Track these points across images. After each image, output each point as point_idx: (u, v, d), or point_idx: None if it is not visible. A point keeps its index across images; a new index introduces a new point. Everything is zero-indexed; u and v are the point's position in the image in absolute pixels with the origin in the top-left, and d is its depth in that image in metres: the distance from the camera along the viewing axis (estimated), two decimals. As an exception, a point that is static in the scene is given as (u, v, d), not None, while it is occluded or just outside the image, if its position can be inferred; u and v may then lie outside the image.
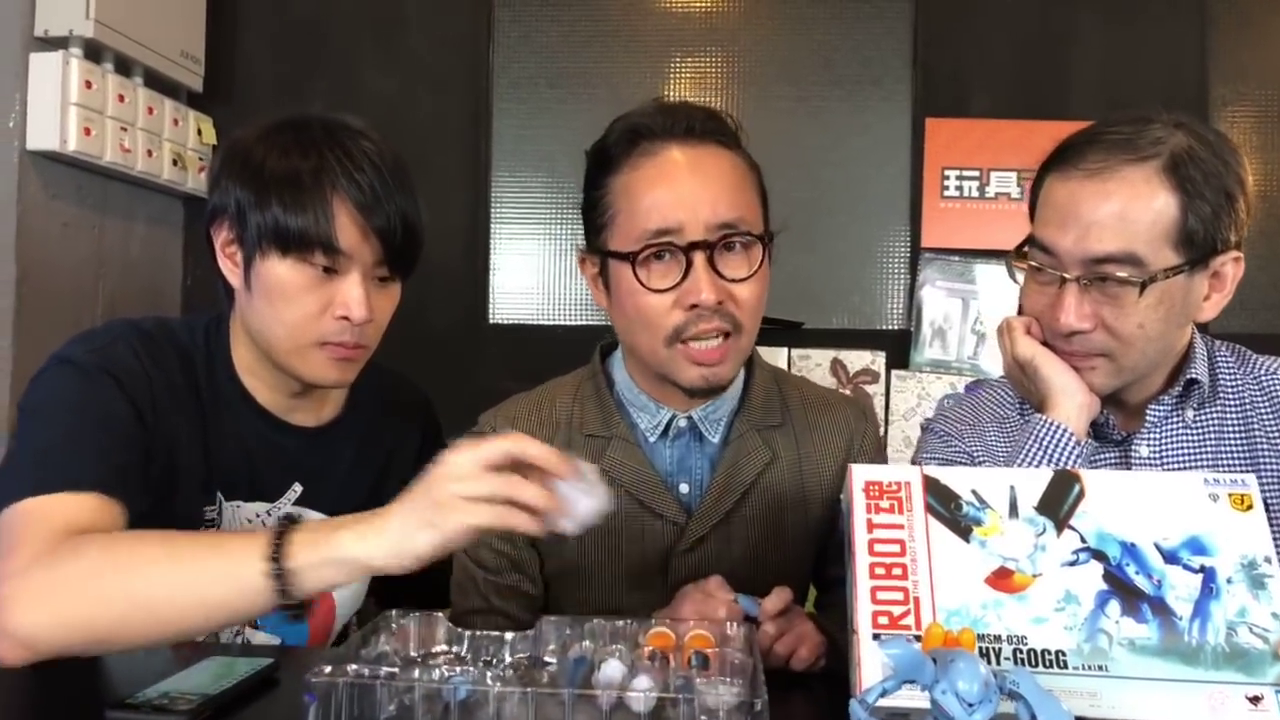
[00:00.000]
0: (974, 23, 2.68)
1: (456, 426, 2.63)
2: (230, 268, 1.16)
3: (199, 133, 2.59)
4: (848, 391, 2.57)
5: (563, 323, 2.79)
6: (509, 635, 0.94)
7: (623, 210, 1.15)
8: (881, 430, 2.56)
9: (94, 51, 2.24)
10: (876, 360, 2.62)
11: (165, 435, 1.13)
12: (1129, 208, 1.03)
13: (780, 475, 1.23)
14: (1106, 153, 1.04)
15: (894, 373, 2.61)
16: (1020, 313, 1.17)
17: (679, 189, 1.13)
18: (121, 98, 2.29)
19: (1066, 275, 1.06)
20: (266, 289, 1.12)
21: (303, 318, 1.12)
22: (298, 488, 1.24)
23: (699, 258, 1.11)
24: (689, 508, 1.22)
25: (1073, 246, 1.05)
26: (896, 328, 2.69)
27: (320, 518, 1.18)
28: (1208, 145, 1.04)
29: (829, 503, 1.25)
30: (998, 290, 2.62)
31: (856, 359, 2.63)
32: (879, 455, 1.30)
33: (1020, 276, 1.14)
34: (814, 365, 2.60)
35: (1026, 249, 1.12)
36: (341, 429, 1.28)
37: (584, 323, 2.79)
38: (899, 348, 2.65)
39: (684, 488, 1.23)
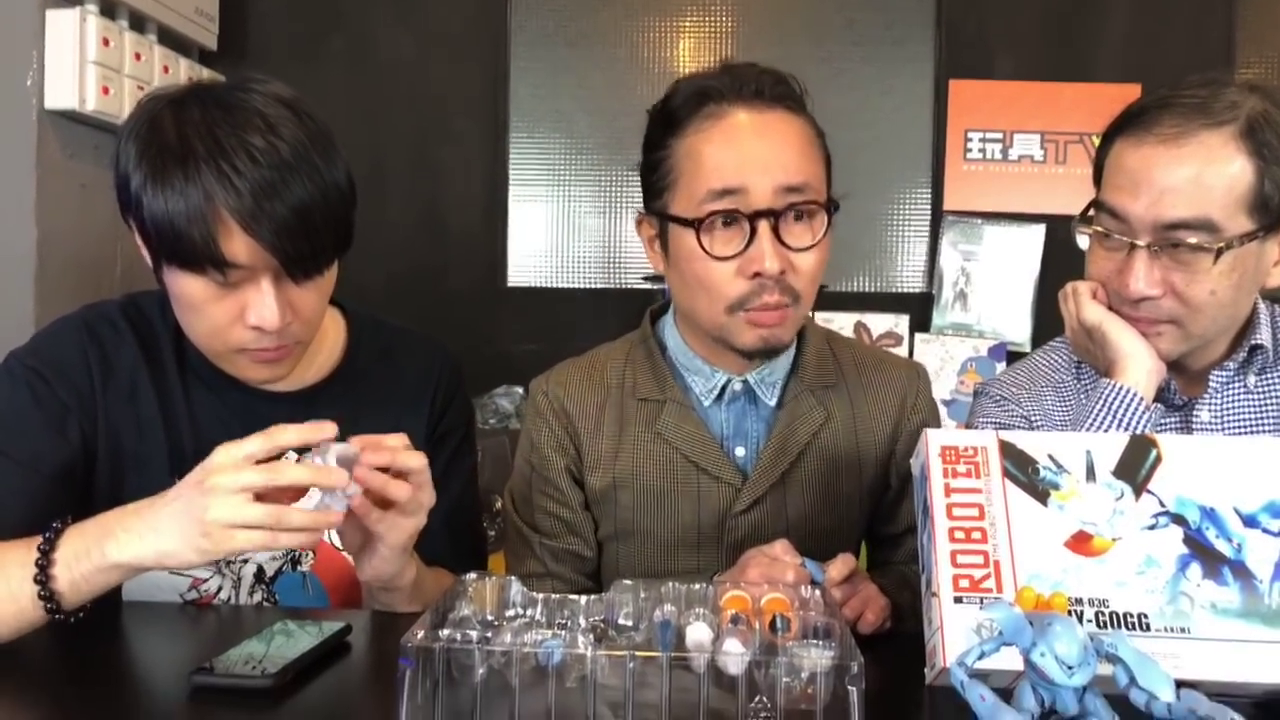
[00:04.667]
0: (998, -17, 2.66)
1: (473, 388, 2.65)
2: (148, 259, 1.06)
3: (214, 91, 2.55)
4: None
5: (579, 286, 2.78)
6: (582, 599, 0.94)
7: (686, 173, 1.14)
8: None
9: (108, 8, 2.20)
10: (900, 323, 2.63)
11: (111, 422, 1.12)
12: (1205, 173, 1.02)
13: (835, 435, 1.24)
14: (1182, 117, 1.03)
15: (917, 335, 2.62)
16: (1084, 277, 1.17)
17: (744, 151, 1.11)
18: (138, 56, 2.26)
19: (1137, 242, 1.05)
20: (175, 296, 1.06)
21: (214, 329, 1.06)
22: (291, 456, 1.17)
23: (764, 226, 1.11)
24: (744, 470, 1.23)
25: (1145, 212, 1.04)
26: (918, 290, 2.69)
27: None
28: None
29: (882, 462, 1.26)
30: (1016, 253, 2.62)
31: (880, 322, 2.63)
32: (932, 414, 1.30)
33: (1085, 241, 1.14)
34: (838, 328, 2.60)
35: (1092, 214, 1.11)
36: (331, 391, 1.21)
37: (600, 286, 2.78)
38: (921, 310, 2.66)
39: (740, 450, 1.23)
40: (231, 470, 0.90)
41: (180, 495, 0.91)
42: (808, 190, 1.12)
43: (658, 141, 1.18)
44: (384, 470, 0.98)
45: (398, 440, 0.99)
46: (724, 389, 1.23)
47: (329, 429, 0.94)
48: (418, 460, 0.98)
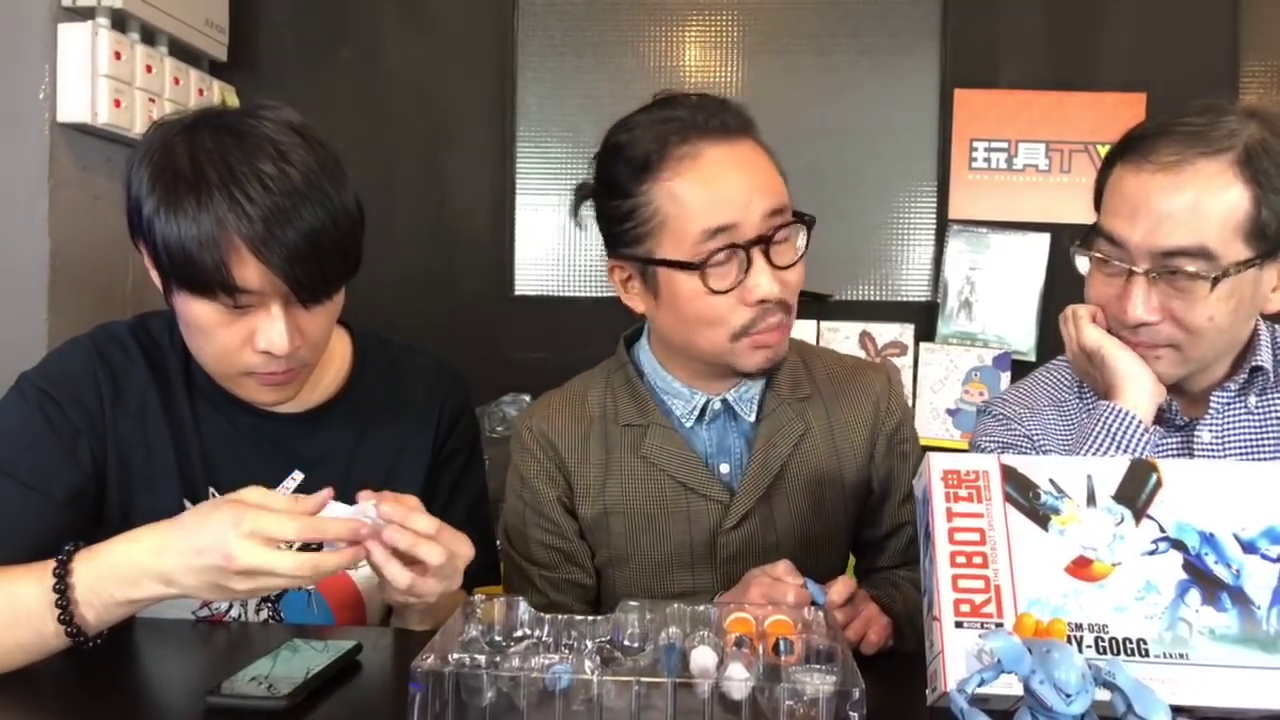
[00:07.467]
0: (1004, -8, 2.66)
1: (480, 396, 2.66)
2: (158, 283, 1.08)
3: (224, 103, 2.57)
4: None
5: (586, 294, 2.80)
6: (588, 619, 0.96)
7: (671, 216, 1.14)
8: (910, 402, 2.58)
9: (119, 21, 2.21)
10: (905, 332, 2.63)
11: (121, 444, 1.14)
12: (1202, 201, 1.03)
13: (815, 446, 1.27)
14: (1180, 145, 1.04)
15: (922, 345, 2.63)
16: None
17: (727, 187, 1.13)
18: (149, 68, 2.27)
19: (1135, 268, 1.07)
20: (184, 320, 1.08)
21: (222, 352, 1.08)
22: (298, 475, 1.20)
23: (757, 254, 1.14)
24: (731, 486, 1.25)
25: (1143, 240, 1.05)
26: (923, 299, 2.70)
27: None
28: None
29: (863, 468, 1.29)
30: (1021, 262, 2.63)
31: (885, 331, 2.64)
32: (905, 413, 1.33)
33: (1085, 265, 1.15)
34: (843, 338, 2.62)
35: (1093, 239, 1.12)
36: (337, 411, 1.23)
37: (607, 294, 2.78)
38: (926, 319, 2.66)
39: (724, 468, 1.26)
40: (269, 521, 0.92)
41: (194, 557, 0.93)
42: (786, 210, 1.17)
43: (626, 188, 1.16)
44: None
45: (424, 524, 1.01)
46: (704, 409, 1.25)
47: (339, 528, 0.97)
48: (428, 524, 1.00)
